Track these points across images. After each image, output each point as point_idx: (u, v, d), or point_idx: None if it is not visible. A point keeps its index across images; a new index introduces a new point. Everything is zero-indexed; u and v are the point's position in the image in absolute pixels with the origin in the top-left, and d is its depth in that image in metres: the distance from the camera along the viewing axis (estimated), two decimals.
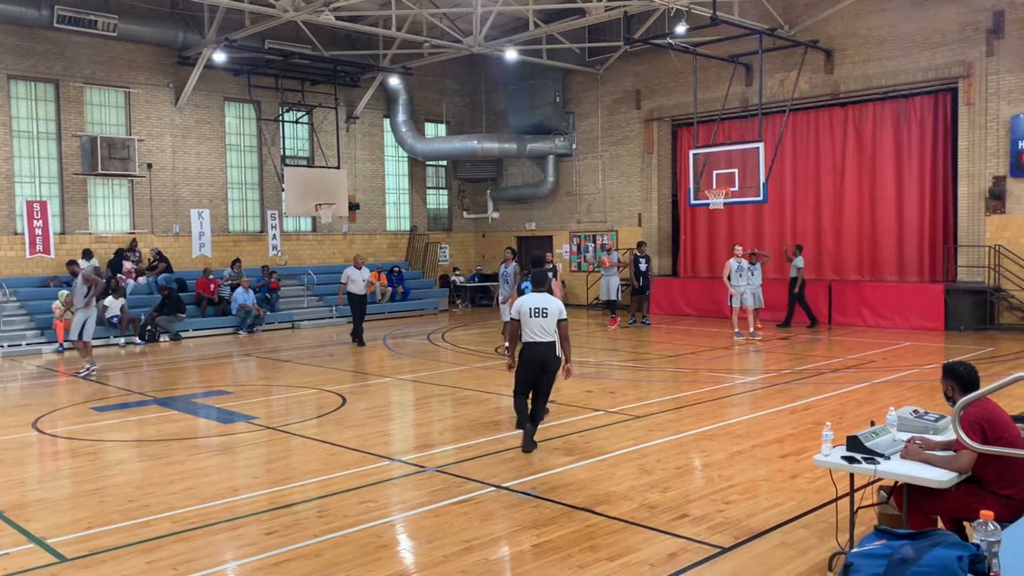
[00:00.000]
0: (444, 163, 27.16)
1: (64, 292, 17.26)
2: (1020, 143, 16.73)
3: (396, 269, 24.13)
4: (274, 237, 22.87)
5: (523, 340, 8.07)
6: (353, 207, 24.07)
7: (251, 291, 20.02)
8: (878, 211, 19.45)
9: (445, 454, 8.11)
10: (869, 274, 19.70)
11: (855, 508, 5.00)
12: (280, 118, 22.35)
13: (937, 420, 5.29)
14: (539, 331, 7.98)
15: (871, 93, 19.13)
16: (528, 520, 6.05)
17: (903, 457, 4.74)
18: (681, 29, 18.23)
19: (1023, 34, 16.70)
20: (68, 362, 15.67)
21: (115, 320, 17.87)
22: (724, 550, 5.40)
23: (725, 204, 18.82)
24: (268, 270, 21.27)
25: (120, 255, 19.78)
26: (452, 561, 5.29)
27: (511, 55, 21.32)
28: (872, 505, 5.40)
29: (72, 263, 14.65)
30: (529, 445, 8.02)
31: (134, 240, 20.34)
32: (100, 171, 19.37)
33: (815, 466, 5.06)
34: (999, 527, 2.82)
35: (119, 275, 19.19)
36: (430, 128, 26.70)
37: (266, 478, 7.46)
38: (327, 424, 9.62)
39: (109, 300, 17.98)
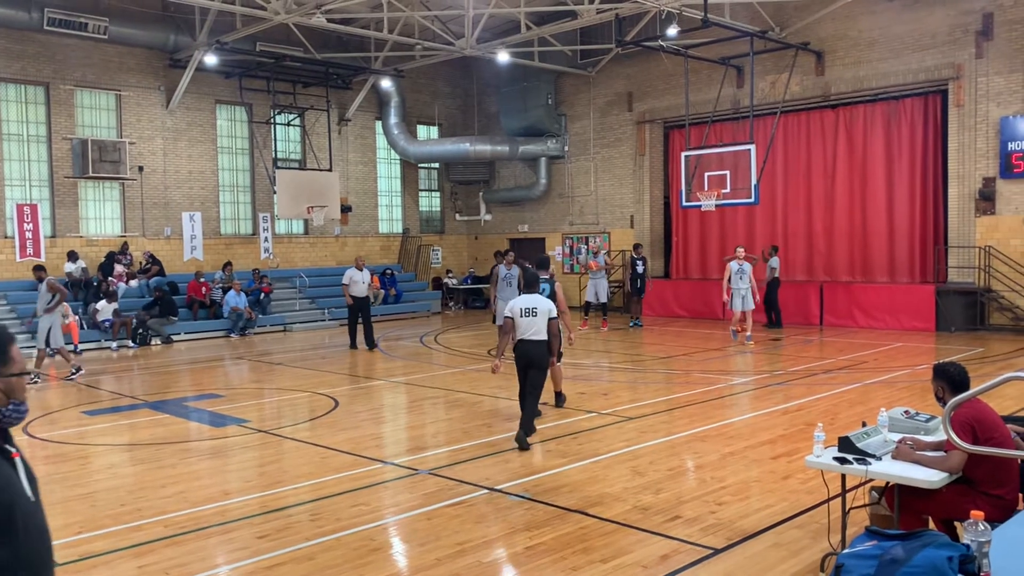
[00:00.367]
0: (436, 165, 27.15)
1: None
2: (1009, 145, 16.82)
3: (388, 272, 24.11)
4: (266, 240, 22.82)
5: (516, 338, 8.44)
6: (345, 209, 24.03)
7: (243, 294, 19.98)
8: (869, 212, 19.52)
9: (438, 457, 8.10)
10: (860, 275, 19.77)
11: (847, 509, 5.02)
12: (272, 120, 22.31)
13: (928, 421, 5.31)
14: (529, 329, 8.35)
15: (862, 95, 19.21)
16: (521, 522, 6.05)
17: (894, 458, 4.75)
18: (672, 31, 18.28)
19: (1012, 36, 16.80)
20: (59, 366, 15.59)
21: (107, 324, 17.81)
22: (717, 551, 5.41)
23: (717, 206, 18.88)
24: (259, 274, 21.22)
25: (111, 258, 19.71)
26: (445, 564, 5.28)
27: (503, 57, 21.34)
28: (864, 506, 5.42)
29: (39, 268, 14.35)
30: (523, 444, 8.19)
31: (125, 243, 20.27)
32: (91, 174, 19.30)
33: (807, 467, 5.07)
34: (989, 527, 2.83)
35: (110, 278, 19.13)
36: (422, 130, 26.70)
37: (258, 482, 7.44)
38: (319, 427, 9.60)
39: (101, 304, 17.92)
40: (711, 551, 5.41)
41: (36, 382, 13.42)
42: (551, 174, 25.21)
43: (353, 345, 16.70)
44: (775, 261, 18.43)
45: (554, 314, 8.45)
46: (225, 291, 20.01)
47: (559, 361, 8.86)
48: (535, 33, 20.06)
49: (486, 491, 6.84)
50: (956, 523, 4.68)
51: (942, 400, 4.78)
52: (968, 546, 2.81)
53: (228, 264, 20.86)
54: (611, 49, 22.16)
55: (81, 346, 17.13)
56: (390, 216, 26.32)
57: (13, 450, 2.34)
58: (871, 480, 4.88)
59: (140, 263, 20.25)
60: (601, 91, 23.88)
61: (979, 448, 4.20)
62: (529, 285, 8.74)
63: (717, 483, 6.96)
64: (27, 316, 17.59)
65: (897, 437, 5.00)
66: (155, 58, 20.79)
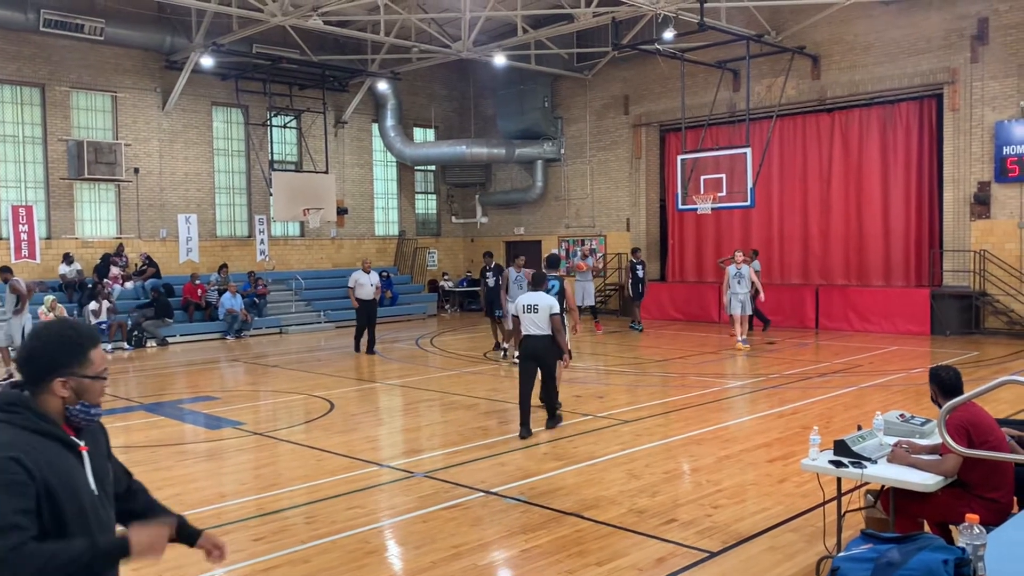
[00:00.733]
0: (433, 168, 27.15)
1: (50, 297, 17.15)
2: (1004, 149, 16.87)
3: (385, 274, 24.06)
4: (262, 242, 22.80)
5: (522, 333, 8.92)
6: (341, 212, 24.02)
7: (239, 295, 19.93)
8: (864, 216, 19.56)
9: (433, 459, 8.09)
10: (856, 279, 19.80)
11: (842, 512, 5.02)
12: (268, 123, 22.30)
13: (923, 424, 5.32)
14: (532, 325, 8.80)
15: (857, 99, 19.25)
16: (517, 525, 6.04)
17: (890, 461, 4.76)
18: (669, 35, 18.31)
19: (1007, 41, 16.86)
20: None
21: (103, 326, 17.76)
22: (712, 554, 5.41)
23: (713, 209, 18.89)
24: (254, 276, 21.19)
25: (107, 260, 19.67)
26: (440, 567, 5.28)
27: (500, 60, 21.35)
28: (859, 509, 5.43)
29: (4, 270, 14.10)
30: (525, 432, 8.78)
31: (121, 245, 20.23)
32: (86, 176, 19.27)
33: (802, 470, 5.07)
34: (984, 530, 2.84)
35: (105, 280, 19.09)
36: (419, 133, 26.70)
37: (254, 484, 7.42)
38: (315, 430, 9.59)
39: (93, 305, 17.87)
40: (707, 554, 5.41)
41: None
42: (547, 177, 25.23)
43: (356, 348, 16.33)
44: (756, 264, 18.37)
45: (556, 310, 8.78)
46: (221, 293, 19.98)
47: (569, 357, 9.28)
48: (531, 36, 20.07)
49: (482, 494, 6.83)
50: (951, 526, 4.69)
51: (938, 403, 4.79)
52: (963, 549, 2.82)
53: (224, 266, 20.82)
54: (607, 52, 22.20)
55: None
56: (386, 219, 26.32)
57: (81, 444, 2.41)
58: (866, 483, 4.88)
59: (136, 265, 20.21)
60: (597, 94, 23.91)
61: (974, 451, 4.21)
62: (536, 283, 9.22)
63: (713, 486, 6.96)
64: None
65: (892, 440, 5.01)
66: (151, 60, 20.76)
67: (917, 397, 10.45)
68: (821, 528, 5.41)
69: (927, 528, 4.78)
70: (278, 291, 22.01)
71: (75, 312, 17.95)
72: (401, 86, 24.60)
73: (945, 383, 4.73)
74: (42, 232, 19.32)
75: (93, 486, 2.41)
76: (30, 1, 18.16)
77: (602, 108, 23.86)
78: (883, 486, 4.85)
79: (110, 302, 18.24)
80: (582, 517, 6.18)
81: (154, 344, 18.44)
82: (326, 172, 22.61)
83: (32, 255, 18.89)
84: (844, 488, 5.05)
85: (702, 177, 18.90)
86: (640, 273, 19.14)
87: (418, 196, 27.24)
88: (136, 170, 20.53)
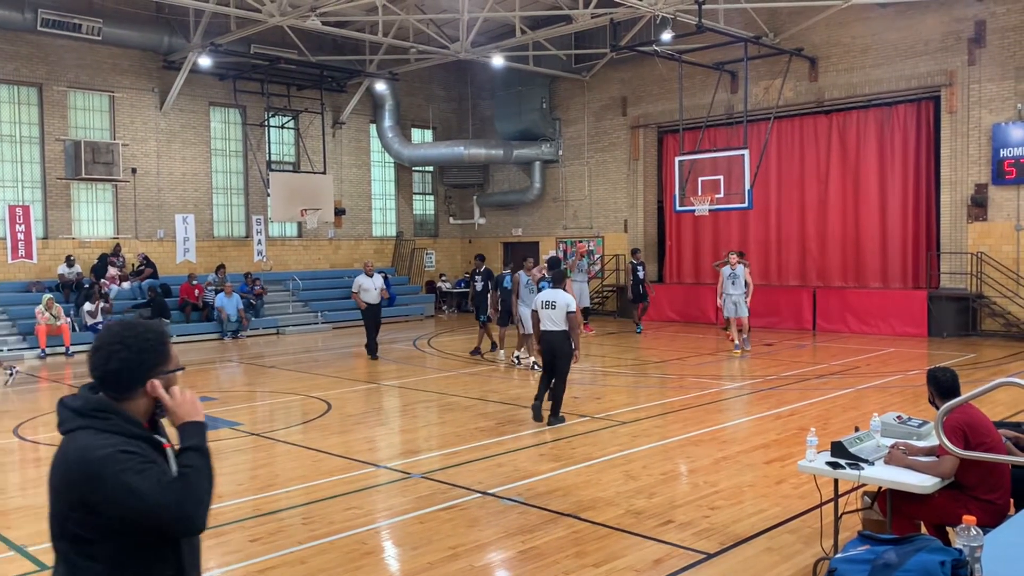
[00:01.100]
0: (431, 169, 27.15)
1: (47, 296, 17.15)
2: (1001, 151, 16.89)
3: (383, 275, 24.05)
4: (259, 242, 22.78)
5: (540, 328, 9.49)
6: (339, 212, 24.01)
7: (235, 295, 19.88)
8: (862, 218, 19.58)
9: (430, 460, 8.09)
10: (853, 281, 19.82)
11: (839, 513, 5.03)
12: (266, 123, 22.28)
13: (920, 426, 5.32)
14: (549, 321, 9.37)
15: (855, 101, 19.28)
16: (514, 526, 6.04)
17: (887, 463, 4.76)
18: (667, 36, 18.31)
19: (1004, 43, 16.89)
20: (50, 368, 15.54)
21: (99, 327, 17.73)
22: (710, 556, 5.41)
23: (710, 211, 18.90)
24: (251, 277, 21.17)
25: (104, 260, 19.64)
26: (437, 568, 5.27)
27: (498, 61, 21.35)
28: (856, 510, 5.43)
29: None
30: (536, 415, 9.41)
31: (118, 245, 20.20)
32: (84, 175, 19.24)
33: (800, 472, 5.08)
34: (981, 532, 2.84)
35: (102, 280, 19.07)
36: (416, 134, 26.69)
37: (250, 485, 7.42)
38: (312, 430, 9.58)
39: (88, 306, 17.84)
40: (704, 555, 5.41)
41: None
42: (545, 178, 25.23)
43: (372, 355, 15.49)
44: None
45: (572, 308, 9.36)
46: (218, 293, 19.95)
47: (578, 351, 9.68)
48: (530, 37, 20.08)
49: (479, 495, 6.83)
50: (948, 528, 4.69)
51: (935, 405, 4.80)
52: (960, 551, 2.82)
53: (221, 266, 20.80)
54: (605, 54, 22.21)
55: (73, 348, 17.06)
56: (384, 219, 26.30)
57: (164, 441, 2.45)
58: (864, 485, 4.89)
59: (133, 265, 20.19)
60: (595, 95, 23.92)
61: (971, 453, 4.21)
62: (555, 281, 9.81)
63: (710, 487, 6.96)
64: (19, 317, 17.58)
65: (890, 442, 5.01)
66: (149, 60, 20.74)
67: (914, 399, 10.46)
68: (818, 529, 5.42)
69: (924, 530, 4.78)
70: (275, 292, 21.99)
71: (72, 312, 17.93)
72: (399, 87, 24.59)
73: (942, 385, 4.74)
74: (39, 232, 19.29)
75: None
76: (27, 0, 18.14)
77: (600, 109, 23.87)
78: (880, 488, 4.86)
79: (106, 302, 18.21)
80: (579, 518, 6.18)
81: None
82: (324, 173, 22.60)
83: (29, 255, 18.87)
84: (841, 490, 5.06)
85: (700, 179, 18.91)
86: (640, 274, 19.07)
87: (416, 197, 27.24)
88: (133, 170, 20.51)
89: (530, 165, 25.19)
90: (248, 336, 19.93)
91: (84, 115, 20.15)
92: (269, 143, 22.39)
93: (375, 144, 25.55)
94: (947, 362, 13.34)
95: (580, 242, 24.16)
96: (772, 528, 5.92)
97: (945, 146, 17.79)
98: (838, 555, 3.19)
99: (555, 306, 9.32)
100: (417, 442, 9.21)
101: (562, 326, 9.30)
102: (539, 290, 11.82)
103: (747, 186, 17.89)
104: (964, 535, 2.81)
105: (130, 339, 2.38)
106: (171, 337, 2.53)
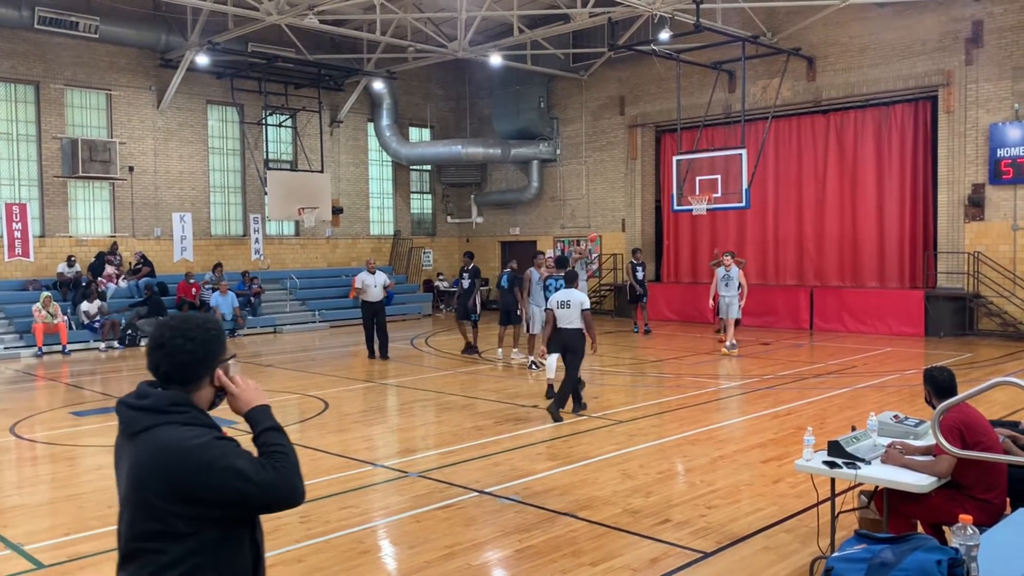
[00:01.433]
0: (428, 168, 27.14)
1: (45, 293, 17.12)
2: (998, 151, 16.91)
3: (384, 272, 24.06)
4: (257, 241, 22.76)
5: (555, 326, 9.75)
6: (336, 211, 24.00)
7: (230, 294, 19.83)
8: (859, 218, 19.60)
9: (427, 459, 8.09)
10: (850, 280, 19.84)
11: (836, 513, 5.03)
12: (263, 121, 22.25)
13: (917, 425, 5.33)
14: (564, 319, 9.65)
15: (852, 101, 19.29)
16: (511, 525, 6.04)
17: (883, 462, 4.77)
18: (665, 36, 18.31)
19: (1002, 44, 16.91)
20: (47, 366, 15.51)
21: (96, 325, 17.71)
22: (706, 555, 5.41)
23: (708, 210, 18.91)
24: (248, 275, 21.15)
25: (101, 258, 19.62)
26: (434, 567, 5.27)
27: (495, 60, 21.34)
28: (853, 510, 5.44)
29: None
30: (555, 412, 9.58)
31: (115, 243, 20.18)
32: (81, 174, 19.21)
33: (797, 471, 5.08)
34: (977, 531, 2.85)
35: (99, 279, 19.04)
36: (414, 132, 26.68)
37: None
38: (309, 429, 9.57)
39: (86, 305, 17.81)
40: (701, 555, 5.42)
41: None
42: (543, 177, 25.23)
43: (371, 355, 15.39)
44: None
45: (587, 306, 9.65)
46: (214, 292, 19.92)
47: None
48: (528, 36, 20.07)
49: (476, 494, 6.83)
50: (944, 527, 4.70)
51: (932, 404, 4.80)
52: (957, 550, 2.83)
53: (218, 265, 20.77)
54: (603, 53, 22.21)
55: (70, 346, 17.05)
56: (381, 218, 26.29)
57: (224, 429, 2.49)
58: (860, 484, 4.89)
59: (130, 263, 20.16)
60: (593, 95, 23.92)
61: (967, 452, 4.22)
62: (569, 281, 10.13)
63: (707, 487, 6.97)
64: (15, 316, 17.56)
65: (886, 441, 5.02)
66: (146, 58, 20.71)
67: (911, 398, 10.48)
68: (815, 528, 5.42)
69: (920, 529, 4.79)
70: (273, 290, 21.97)
71: (69, 310, 17.90)
72: (397, 85, 24.58)
73: (939, 384, 4.74)
74: (36, 230, 19.24)
75: None
76: None
77: (598, 109, 23.87)
78: (877, 487, 4.86)
79: (103, 301, 18.17)
80: (576, 517, 6.18)
81: (147, 343, 18.34)
82: (321, 171, 22.57)
83: (26, 253, 18.83)
84: (838, 489, 5.06)
85: (697, 178, 18.92)
86: (640, 274, 19.00)
87: (413, 196, 27.22)
88: (131, 168, 20.48)
89: (528, 164, 25.19)
90: (245, 335, 19.91)
91: (81, 113, 20.12)
92: (267, 141, 22.37)
93: (373, 143, 25.54)
94: (944, 361, 13.33)
95: (579, 243, 24.16)
96: (769, 527, 5.92)
97: (942, 146, 17.81)
98: (835, 554, 3.19)
99: (570, 305, 9.64)
100: (414, 441, 9.21)
101: (577, 324, 9.61)
102: (545, 288, 11.77)
103: (745, 186, 17.90)
104: (960, 534, 2.81)
105: (193, 332, 2.43)
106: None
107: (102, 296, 18.33)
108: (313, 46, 22.06)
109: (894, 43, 18.29)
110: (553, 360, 10.31)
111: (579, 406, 10.06)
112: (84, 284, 18.60)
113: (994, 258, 17.18)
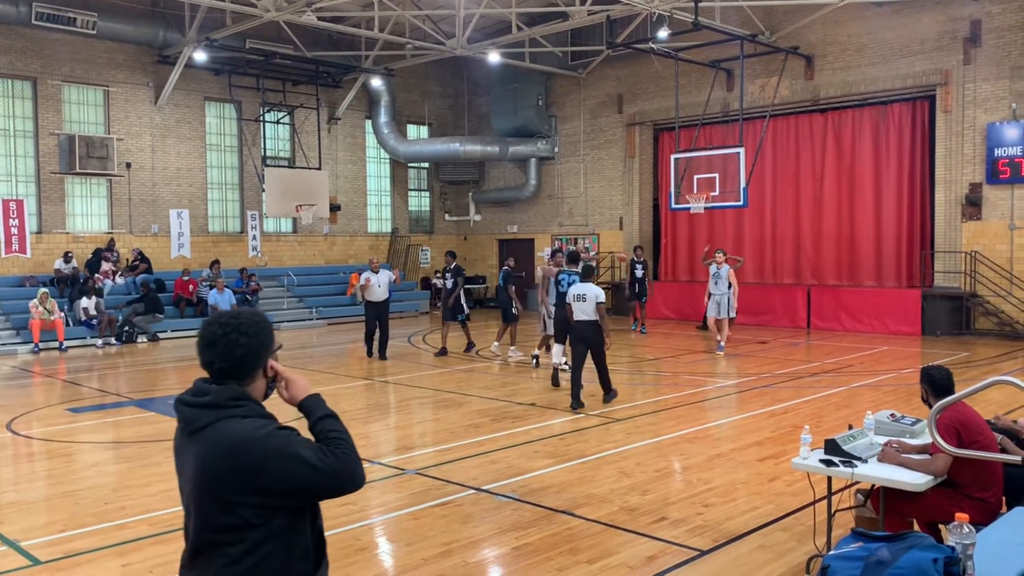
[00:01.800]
0: (426, 165, 27.12)
1: (43, 290, 17.10)
2: (996, 151, 16.93)
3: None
4: (254, 238, 22.73)
5: (572, 319, 10.23)
6: (334, 208, 23.98)
7: (227, 291, 19.79)
8: (857, 216, 19.61)
9: (425, 456, 8.09)
10: (847, 279, 19.86)
11: (832, 511, 5.04)
12: (261, 118, 22.23)
13: (914, 424, 5.34)
14: (580, 312, 10.14)
15: (850, 100, 19.30)
16: (508, 523, 6.04)
17: (880, 460, 4.77)
18: (663, 34, 18.30)
19: (1000, 43, 16.92)
20: (44, 363, 15.49)
21: (94, 321, 17.69)
22: (703, 553, 5.42)
23: (706, 208, 18.91)
24: (246, 272, 21.12)
25: (98, 255, 19.59)
26: (431, 564, 5.28)
27: (494, 58, 21.32)
28: (849, 508, 5.45)
29: None
30: (575, 404, 10.12)
31: (112, 240, 20.15)
32: (78, 170, 19.18)
33: (793, 469, 5.08)
34: (974, 530, 2.85)
35: (96, 275, 19.01)
36: (412, 130, 26.65)
37: None
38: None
39: (82, 301, 17.79)
40: (697, 552, 5.42)
41: None
42: (541, 175, 25.23)
43: (370, 354, 15.31)
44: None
45: (601, 299, 10.13)
46: (211, 289, 19.89)
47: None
48: (526, 34, 20.06)
49: (473, 491, 6.83)
50: (940, 526, 4.71)
51: (928, 403, 4.81)
52: (953, 548, 2.83)
53: (216, 262, 20.74)
54: (602, 51, 22.20)
55: (67, 343, 17.02)
56: (379, 215, 26.27)
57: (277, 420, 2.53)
58: (857, 482, 4.90)
59: (127, 260, 20.13)
60: (591, 93, 23.92)
61: (964, 451, 4.23)
62: (585, 275, 10.65)
63: (704, 485, 6.97)
64: (12, 312, 17.53)
65: (883, 440, 5.03)
66: (144, 54, 20.67)
67: (908, 397, 10.49)
68: (811, 527, 5.43)
69: (917, 527, 4.80)
70: (270, 287, 21.96)
71: (66, 307, 17.88)
72: (395, 83, 24.55)
73: (936, 383, 4.75)
74: (33, 227, 19.21)
75: None
76: None
77: (596, 107, 23.86)
78: (873, 485, 4.87)
79: (100, 297, 18.15)
80: (573, 515, 6.18)
81: (144, 339, 18.37)
82: (319, 168, 22.55)
83: (23, 250, 18.79)
84: (835, 487, 5.07)
85: (695, 176, 18.92)
86: (639, 273, 18.96)
87: (411, 193, 27.20)
88: (128, 165, 20.44)
89: (526, 162, 25.18)
90: None
91: (78, 109, 20.08)
92: (264, 138, 22.34)
93: (371, 140, 25.52)
94: (940, 361, 13.38)
95: (576, 241, 24.18)
96: (765, 525, 5.93)
97: (940, 145, 17.82)
98: (831, 552, 3.20)
99: (585, 298, 10.14)
100: (411, 438, 9.21)
101: (592, 316, 10.09)
102: (557, 283, 11.89)
103: (742, 184, 17.91)
104: (956, 533, 2.82)
105: (246, 326, 2.47)
106: None
107: (99, 292, 18.31)
108: (311, 43, 22.03)
109: (892, 42, 18.30)
110: (559, 347, 11.14)
111: (577, 404, 10.16)
112: (81, 280, 18.57)
113: (991, 257, 17.20)
